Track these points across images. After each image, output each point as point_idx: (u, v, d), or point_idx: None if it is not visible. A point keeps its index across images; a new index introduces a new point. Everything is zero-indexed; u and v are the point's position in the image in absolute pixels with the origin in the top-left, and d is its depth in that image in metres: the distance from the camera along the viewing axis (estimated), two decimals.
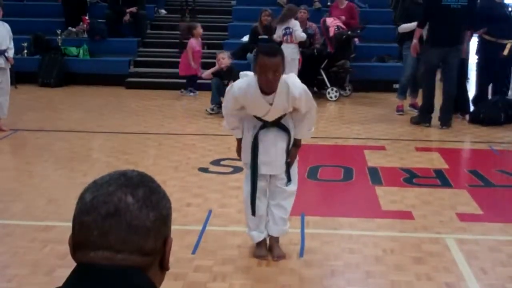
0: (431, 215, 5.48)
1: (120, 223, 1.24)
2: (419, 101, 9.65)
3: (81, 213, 1.27)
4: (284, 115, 4.36)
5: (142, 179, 1.31)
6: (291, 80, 4.20)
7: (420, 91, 9.53)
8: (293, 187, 4.56)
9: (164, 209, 1.31)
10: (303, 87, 4.22)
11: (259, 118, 4.37)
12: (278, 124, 4.35)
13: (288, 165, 4.44)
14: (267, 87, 4.11)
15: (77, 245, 1.27)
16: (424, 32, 8.95)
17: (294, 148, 4.48)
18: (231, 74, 9.49)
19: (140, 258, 1.26)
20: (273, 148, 4.37)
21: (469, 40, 9.53)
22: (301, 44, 10.75)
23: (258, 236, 4.57)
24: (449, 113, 8.96)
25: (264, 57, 4.03)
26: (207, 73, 9.93)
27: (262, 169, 4.39)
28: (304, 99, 4.20)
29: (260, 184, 4.46)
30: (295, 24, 10.68)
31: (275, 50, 4.19)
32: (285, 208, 4.55)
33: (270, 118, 4.31)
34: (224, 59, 9.71)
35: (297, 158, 4.58)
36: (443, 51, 8.60)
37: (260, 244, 4.60)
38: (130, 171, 1.33)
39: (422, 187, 6.28)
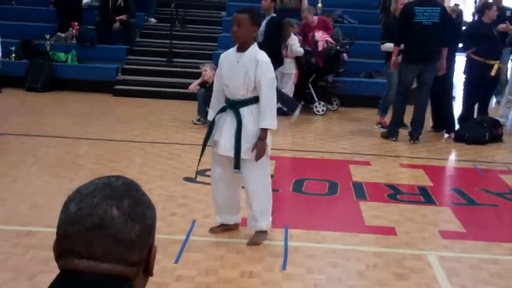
0: (414, 231, 5.51)
1: (105, 235, 1.24)
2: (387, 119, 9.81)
3: (66, 223, 1.26)
4: (248, 103, 4.78)
5: (127, 189, 1.30)
6: (261, 51, 4.85)
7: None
8: (255, 187, 4.90)
9: (149, 219, 1.31)
10: (268, 60, 4.80)
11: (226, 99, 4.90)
12: (234, 108, 4.81)
13: (238, 149, 4.77)
14: (233, 38, 4.81)
15: (61, 252, 1.27)
16: None
17: (259, 141, 4.77)
18: None
19: (126, 268, 1.26)
20: (223, 130, 4.85)
21: (451, 58, 9.63)
22: (297, 60, 10.78)
23: (217, 220, 5.18)
24: (420, 128, 9.10)
25: (234, 14, 4.83)
26: (192, 86, 9.91)
27: (216, 149, 4.95)
28: (264, 66, 4.73)
29: (215, 170, 5.04)
30: (292, 39, 10.72)
31: (246, 9, 4.93)
32: (252, 208, 4.96)
33: (233, 82, 4.78)
34: (206, 71, 9.73)
35: (268, 161, 4.97)
36: (418, 68, 8.76)
37: (219, 225, 5.18)
38: (115, 180, 1.32)
39: (406, 203, 6.32)
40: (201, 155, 5.09)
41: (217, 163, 5.03)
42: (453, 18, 9.61)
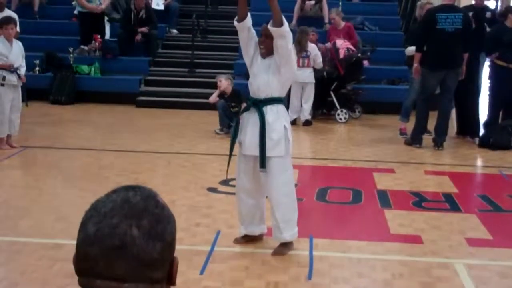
0: (440, 239, 5.45)
1: (127, 256, 1.22)
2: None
3: (85, 244, 1.25)
4: (271, 102, 4.88)
5: (145, 205, 1.27)
6: None
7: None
8: (279, 196, 4.89)
9: (170, 235, 1.29)
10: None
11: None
12: (257, 107, 4.87)
13: (263, 147, 4.79)
14: (260, 47, 4.89)
15: (82, 270, 1.27)
16: None
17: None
18: (238, 98, 9.49)
19: (149, 286, 1.25)
20: (247, 130, 4.92)
21: (477, 63, 9.53)
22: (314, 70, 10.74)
23: (241, 231, 5.17)
24: (443, 134, 9.04)
25: (264, 25, 4.84)
26: (212, 98, 9.89)
27: (241, 149, 5.00)
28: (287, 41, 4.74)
29: (239, 181, 5.08)
30: (313, 48, 10.66)
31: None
32: (276, 218, 4.93)
33: (256, 81, 4.88)
34: (221, 81, 9.74)
35: (291, 170, 5.02)
36: (441, 74, 8.70)
37: (243, 236, 5.17)
38: (132, 194, 1.28)
39: (431, 211, 6.26)
40: (230, 154, 5.15)
41: (242, 170, 5.04)
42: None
